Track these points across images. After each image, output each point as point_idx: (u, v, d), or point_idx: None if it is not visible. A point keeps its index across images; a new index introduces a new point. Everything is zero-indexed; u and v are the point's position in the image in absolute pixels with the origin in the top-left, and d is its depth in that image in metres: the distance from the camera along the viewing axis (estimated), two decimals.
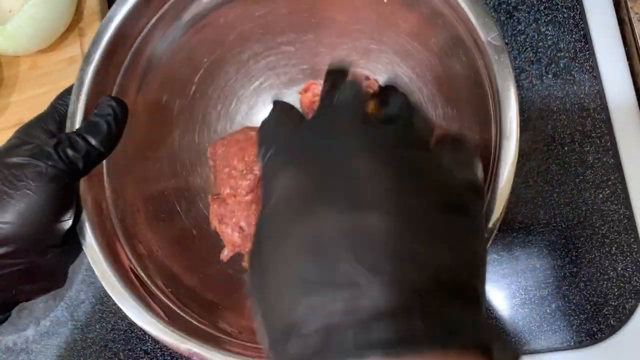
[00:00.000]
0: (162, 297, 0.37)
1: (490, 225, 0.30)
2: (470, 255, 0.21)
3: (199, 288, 0.42)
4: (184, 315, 0.37)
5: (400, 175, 0.21)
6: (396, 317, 0.18)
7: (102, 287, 0.55)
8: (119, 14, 0.37)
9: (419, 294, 0.19)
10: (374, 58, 0.47)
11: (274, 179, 0.24)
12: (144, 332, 0.53)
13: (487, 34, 0.32)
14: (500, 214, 0.30)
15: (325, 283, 0.19)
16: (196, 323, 0.36)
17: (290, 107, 0.30)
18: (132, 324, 0.54)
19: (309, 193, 0.22)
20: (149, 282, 0.38)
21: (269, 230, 0.22)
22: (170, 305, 0.37)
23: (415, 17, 0.40)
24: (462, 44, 0.35)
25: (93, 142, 0.32)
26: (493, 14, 0.49)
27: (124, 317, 0.54)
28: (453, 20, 0.35)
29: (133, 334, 0.54)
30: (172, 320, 0.35)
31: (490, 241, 0.30)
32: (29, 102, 0.54)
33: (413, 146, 0.24)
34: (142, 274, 0.38)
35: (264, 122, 0.29)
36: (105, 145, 0.33)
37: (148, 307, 0.35)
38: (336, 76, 0.29)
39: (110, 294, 0.35)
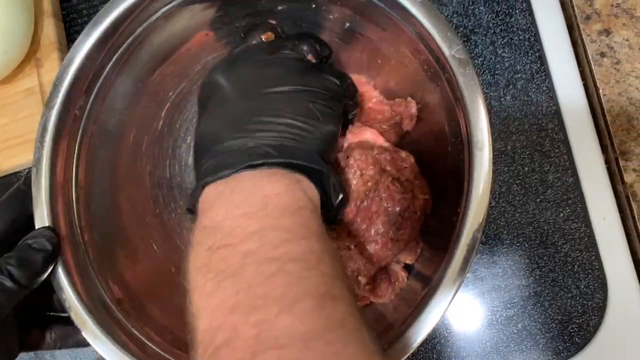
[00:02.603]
0: (146, 341, 0.37)
1: (471, 234, 0.31)
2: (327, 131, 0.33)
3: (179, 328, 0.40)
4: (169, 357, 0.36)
5: (294, 77, 0.33)
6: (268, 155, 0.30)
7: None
8: (79, 54, 0.36)
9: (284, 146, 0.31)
10: None
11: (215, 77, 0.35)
12: None
13: (450, 47, 0.32)
14: (481, 223, 0.31)
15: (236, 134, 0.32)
16: None
17: None
18: None
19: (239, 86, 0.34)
20: (129, 326, 0.37)
21: (210, 103, 0.35)
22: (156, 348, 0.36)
23: (379, 37, 0.40)
24: (426, 60, 0.36)
25: (23, 280, 0.30)
26: None
27: (90, 353, 0.53)
28: (416, 37, 0.35)
29: None
30: None
31: (474, 252, 0.31)
32: None
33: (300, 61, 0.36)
34: (122, 318, 0.37)
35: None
36: (32, 282, 0.31)
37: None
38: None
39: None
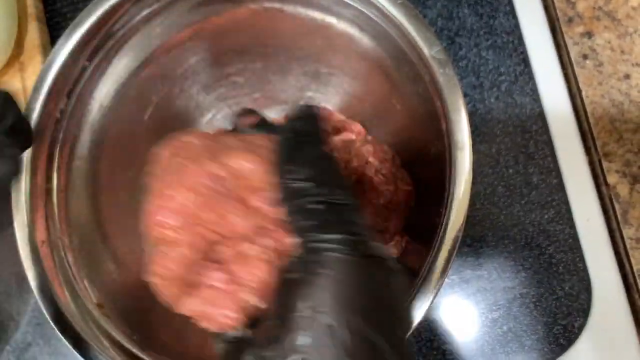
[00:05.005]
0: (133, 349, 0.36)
1: (453, 234, 0.31)
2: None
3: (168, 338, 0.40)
4: None
5: None
6: None
7: (50, 329, 0.53)
8: (60, 57, 0.36)
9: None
10: (324, 81, 0.47)
11: None
12: None
13: (430, 48, 0.32)
14: (462, 223, 0.31)
15: None
16: None
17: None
18: None
19: None
20: (110, 332, 0.36)
21: None
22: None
23: (361, 38, 0.40)
24: (407, 61, 0.36)
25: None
26: None
27: (74, 359, 0.52)
28: (397, 38, 0.35)
29: None
30: None
31: (455, 252, 0.31)
32: None
33: None
34: (104, 323, 0.36)
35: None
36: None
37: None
38: None
39: None
